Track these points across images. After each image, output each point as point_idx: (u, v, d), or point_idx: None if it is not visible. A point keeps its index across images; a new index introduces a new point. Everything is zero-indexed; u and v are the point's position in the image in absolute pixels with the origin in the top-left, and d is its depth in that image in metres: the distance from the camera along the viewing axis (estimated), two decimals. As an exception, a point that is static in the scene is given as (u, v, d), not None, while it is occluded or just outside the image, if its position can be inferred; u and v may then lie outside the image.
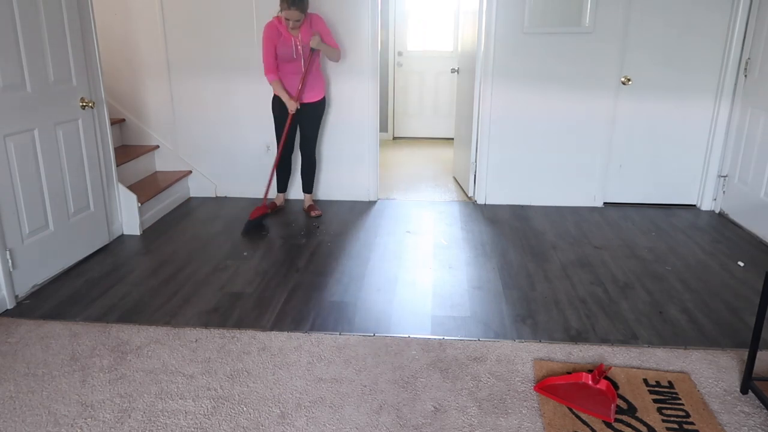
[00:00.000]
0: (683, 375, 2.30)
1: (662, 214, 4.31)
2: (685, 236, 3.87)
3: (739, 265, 3.39)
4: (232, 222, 4.13)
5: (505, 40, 4.22)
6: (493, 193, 4.56)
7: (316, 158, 4.31)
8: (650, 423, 2.03)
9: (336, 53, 3.96)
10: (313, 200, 4.50)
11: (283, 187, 4.39)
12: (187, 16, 4.32)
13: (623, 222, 4.15)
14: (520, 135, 4.42)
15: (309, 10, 3.87)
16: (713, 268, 3.35)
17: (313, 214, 4.23)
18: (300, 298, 2.96)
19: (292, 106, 3.89)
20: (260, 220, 4.02)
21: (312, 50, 3.83)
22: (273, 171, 4.12)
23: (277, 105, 4.04)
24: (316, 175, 4.46)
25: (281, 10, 3.69)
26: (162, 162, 4.67)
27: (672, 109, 4.31)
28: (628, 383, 2.25)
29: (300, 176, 4.41)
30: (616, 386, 2.23)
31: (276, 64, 3.86)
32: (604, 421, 2.04)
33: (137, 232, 3.88)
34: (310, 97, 4.03)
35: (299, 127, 4.16)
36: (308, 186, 4.37)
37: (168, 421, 2.03)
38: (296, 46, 3.82)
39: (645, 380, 2.27)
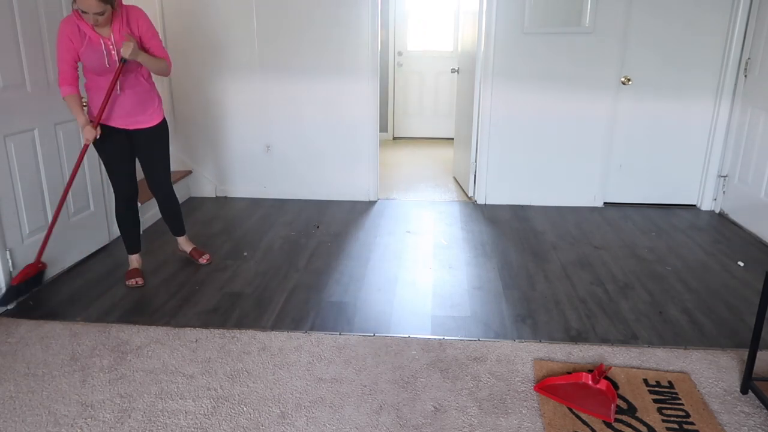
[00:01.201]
0: (683, 375, 2.30)
1: (662, 214, 4.31)
2: (685, 236, 3.87)
3: (739, 265, 3.39)
4: (232, 222, 4.13)
5: (505, 40, 4.22)
6: (493, 193, 4.56)
7: (175, 193, 3.27)
8: (650, 423, 2.03)
9: (161, 65, 2.87)
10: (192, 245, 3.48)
11: (136, 245, 3.23)
12: (187, 16, 4.32)
13: (623, 222, 4.15)
14: (520, 135, 4.42)
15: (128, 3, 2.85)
16: (713, 268, 3.35)
17: (202, 260, 3.37)
18: (300, 298, 2.96)
19: (88, 134, 2.77)
20: (28, 285, 2.95)
21: (123, 61, 2.72)
22: (49, 232, 2.96)
23: (107, 134, 2.88)
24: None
25: None
26: (162, 162, 4.66)
27: (672, 109, 4.31)
28: (628, 383, 2.25)
29: (164, 221, 3.38)
30: (616, 386, 2.23)
31: (76, 73, 2.76)
32: (604, 421, 2.04)
33: (137, 232, 3.87)
34: (143, 122, 2.95)
35: (139, 161, 3.07)
36: (180, 228, 3.38)
37: (168, 421, 2.03)
38: (109, 51, 2.73)
39: (645, 380, 2.27)
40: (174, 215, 3.31)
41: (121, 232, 3.18)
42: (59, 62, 2.72)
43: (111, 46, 2.73)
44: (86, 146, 2.86)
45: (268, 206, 4.49)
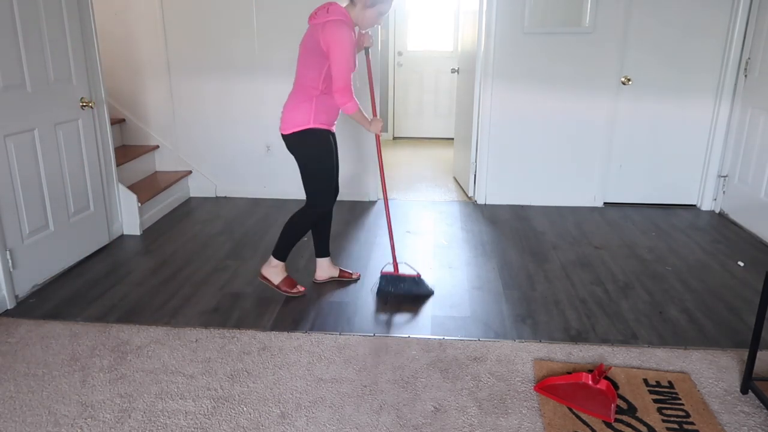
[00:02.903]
0: (683, 375, 2.30)
1: (662, 214, 4.31)
2: (685, 236, 3.87)
3: (739, 265, 3.39)
4: (232, 222, 4.13)
5: (505, 40, 4.22)
6: (493, 193, 4.56)
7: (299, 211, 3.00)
8: (650, 423, 2.03)
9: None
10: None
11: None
12: (187, 16, 4.32)
13: (623, 222, 4.15)
14: (520, 135, 4.42)
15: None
16: (713, 268, 3.35)
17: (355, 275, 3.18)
18: (300, 298, 2.96)
19: (379, 125, 2.81)
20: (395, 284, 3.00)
21: (366, 51, 2.84)
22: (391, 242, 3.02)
23: (332, 144, 2.80)
24: None
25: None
26: (162, 162, 4.67)
27: (672, 109, 4.31)
28: (628, 383, 2.25)
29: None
30: (616, 386, 2.23)
31: None
32: (604, 421, 2.04)
33: (137, 232, 3.87)
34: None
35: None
36: (275, 246, 3.01)
37: (168, 421, 2.03)
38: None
39: (645, 380, 2.27)
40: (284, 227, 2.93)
41: (294, 239, 2.88)
42: (348, 71, 2.54)
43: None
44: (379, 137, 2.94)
45: (268, 206, 4.49)
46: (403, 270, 3.08)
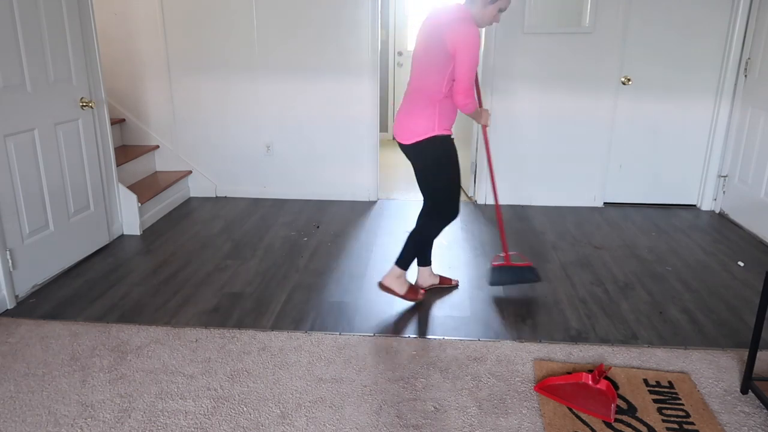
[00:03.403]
0: (683, 375, 2.30)
1: (662, 214, 4.31)
2: (686, 236, 3.87)
3: (739, 265, 3.39)
4: (232, 222, 4.13)
5: (505, 40, 4.22)
6: (493, 193, 4.56)
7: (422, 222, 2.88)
8: (650, 423, 2.03)
9: None
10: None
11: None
12: (187, 15, 4.32)
13: (623, 222, 4.15)
14: (520, 135, 4.42)
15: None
16: (713, 268, 3.35)
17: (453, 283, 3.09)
18: (300, 298, 2.96)
19: (487, 117, 2.81)
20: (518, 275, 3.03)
21: None
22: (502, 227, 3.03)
23: (456, 149, 2.72)
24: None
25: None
26: (162, 162, 4.67)
27: (672, 109, 4.31)
28: (628, 383, 2.25)
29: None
30: (616, 386, 2.23)
31: None
32: (604, 421, 2.04)
33: (137, 232, 3.88)
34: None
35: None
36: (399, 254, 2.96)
37: (168, 421, 2.03)
38: None
39: (645, 380, 2.27)
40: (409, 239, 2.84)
41: (421, 249, 2.86)
42: (474, 71, 2.45)
43: None
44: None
45: (268, 206, 4.49)
46: (514, 260, 3.12)
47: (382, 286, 2.87)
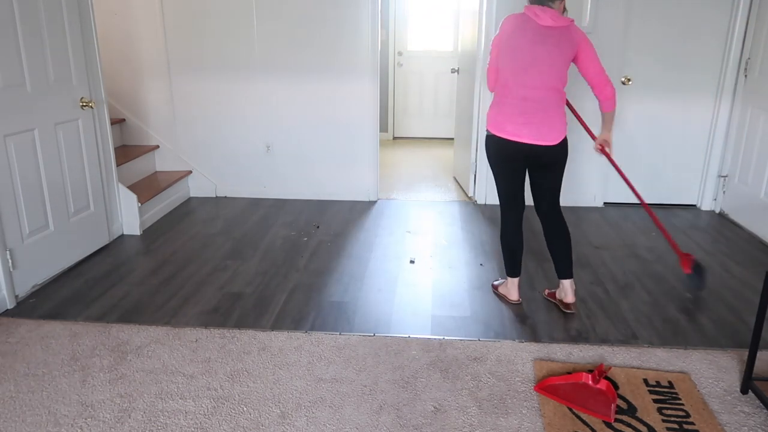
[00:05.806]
0: (683, 375, 2.30)
1: (662, 214, 4.31)
2: (686, 236, 3.87)
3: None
4: (232, 222, 4.13)
5: (505, 40, 4.21)
6: (493, 193, 4.55)
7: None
8: (650, 423, 2.03)
9: None
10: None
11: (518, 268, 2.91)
12: (187, 16, 4.32)
13: (623, 222, 4.15)
14: (520, 135, 4.41)
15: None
16: (713, 268, 3.35)
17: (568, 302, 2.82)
18: (300, 298, 2.96)
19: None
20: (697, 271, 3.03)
21: None
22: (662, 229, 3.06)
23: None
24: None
25: None
26: (162, 162, 4.67)
27: (672, 109, 4.30)
28: (628, 383, 2.25)
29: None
30: (616, 386, 2.23)
31: None
32: (604, 421, 2.04)
33: (137, 232, 3.87)
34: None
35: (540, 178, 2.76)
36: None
37: (168, 421, 2.03)
38: None
39: (645, 380, 2.27)
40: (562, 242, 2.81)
41: (506, 255, 2.87)
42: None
43: None
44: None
45: (268, 206, 4.49)
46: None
47: (575, 305, 2.84)
